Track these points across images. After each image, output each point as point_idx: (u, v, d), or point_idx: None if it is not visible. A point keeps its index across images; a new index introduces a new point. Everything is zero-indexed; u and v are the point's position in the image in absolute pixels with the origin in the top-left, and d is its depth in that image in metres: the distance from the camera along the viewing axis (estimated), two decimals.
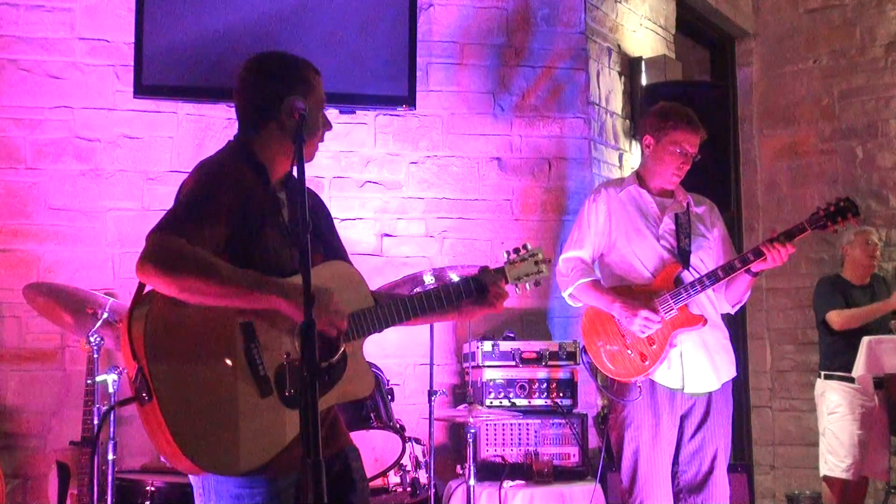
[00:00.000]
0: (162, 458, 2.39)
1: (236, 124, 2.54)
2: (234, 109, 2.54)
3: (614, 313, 3.68)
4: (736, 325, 7.11)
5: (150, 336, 2.17)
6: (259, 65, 2.52)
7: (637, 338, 3.65)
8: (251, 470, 2.23)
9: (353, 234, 4.95)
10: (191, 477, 2.38)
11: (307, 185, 2.27)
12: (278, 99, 2.42)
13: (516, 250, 2.73)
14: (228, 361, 2.24)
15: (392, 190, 5.06)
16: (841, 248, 5.80)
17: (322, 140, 2.56)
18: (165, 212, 2.33)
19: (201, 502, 2.35)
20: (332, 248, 2.59)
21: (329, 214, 2.70)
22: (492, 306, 2.64)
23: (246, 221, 2.33)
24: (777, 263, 3.58)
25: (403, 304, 2.53)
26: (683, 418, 3.72)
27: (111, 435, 3.70)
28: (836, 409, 5.51)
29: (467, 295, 2.61)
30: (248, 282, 2.23)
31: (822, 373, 5.64)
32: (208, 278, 2.19)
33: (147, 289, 2.27)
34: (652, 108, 3.94)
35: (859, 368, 5.26)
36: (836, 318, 5.51)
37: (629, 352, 3.67)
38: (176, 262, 2.18)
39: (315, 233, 2.47)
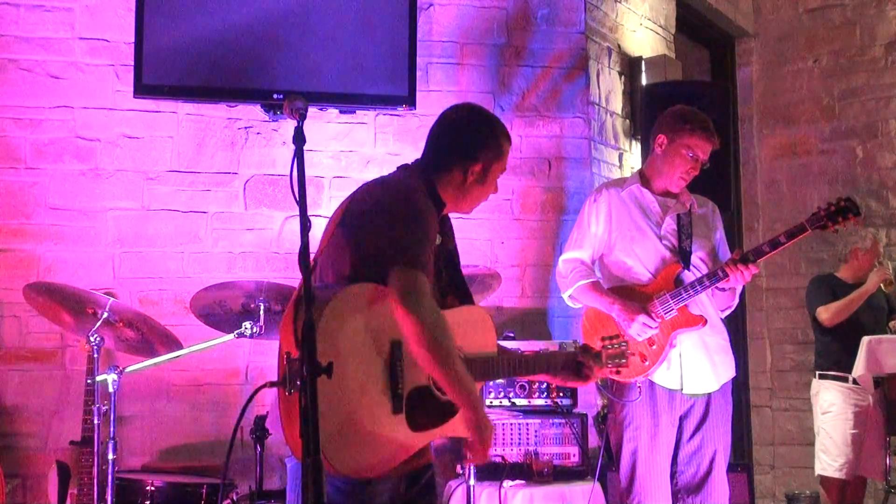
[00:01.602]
0: (269, 426, 2.51)
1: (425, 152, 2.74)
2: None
3: (613, 315, 3.68)
4: (736, 324, 7.11)
5: (323, 332, 2.24)
6: (474, 115, 2.77)
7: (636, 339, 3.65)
8: (364, 476, 2.38)
9: None
10: (291, 472, 2.58)
11: (449, 218, 2.69)
12: (473, 156, 2.65)
13: (611, 338, 3.09)
14: (375, 372, 2.36)
15: None
16: (851, 248, 5.77)
17: (486, 199, 2.78)
18: (391, 239, 2.44)
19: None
20: (462, 285, 2.78)
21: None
22: (584, 381, 2.97)
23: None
24: (740, 283, 3.62)
25: (519, 363, 2.82)
26: (682, 419, 3.72)
27: (111, 435, 3.70)
28: (830, 409, 5.52)
29: (569, 369, 2.92)
30: (465, 381, 2.44)
31: (818, 372, 5.65)
32: (442, 355, 2.36)
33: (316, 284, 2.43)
34: (669, 108, 3.91)
35: (859, 368, 5.27)
36: (824, 313, 5.53)
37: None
38: (434, 319, 2.35)
39: (454, 270, 2.74)
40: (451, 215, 2.83)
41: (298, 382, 2.18)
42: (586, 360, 2.92)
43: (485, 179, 2.68)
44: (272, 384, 2.34)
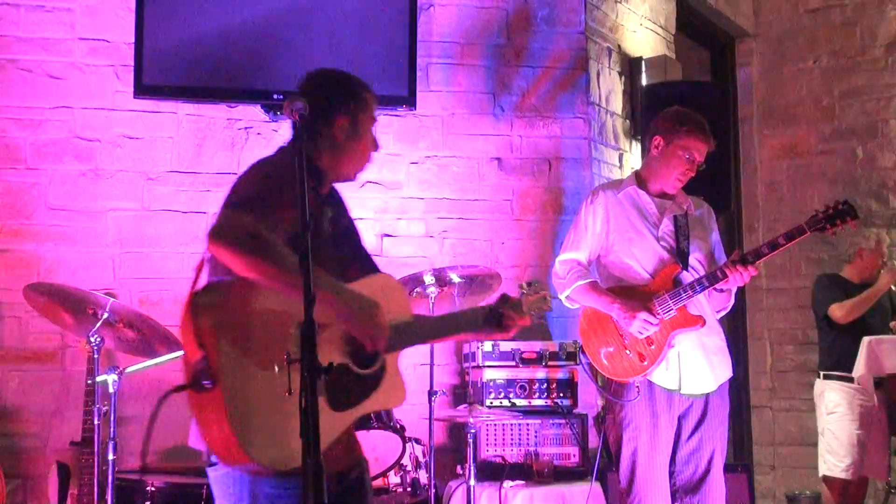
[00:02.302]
0: (194, 444, 2.42)
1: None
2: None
3: (613, 314, 3.68)
4: (736, 325, 7.11)
5: (220, 326, 2.20)
6: (320, 78, 2.66)
7: (635, 338, 3.65)
8: (293, 468, 2.23)
9: None
10: (218, 475, 2.39)
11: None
12: (329, 112, 2.55)
13: (530, 284, 2.96)
14: (285, 360, 2.27)
15: (392, 190, 5.06)
16: (856, 249, 5.76)
17: (370, 160, 2.68)
18: (230, 194, 2.37)
19: (229, 501, 2.37)
20: (366, 258, 2.69)
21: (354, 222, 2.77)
22: (506, 332, 2.85)
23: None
24: (739, 284, 3.62)
25: (437, 323, 2.75)
26: (681, 419, 3.72)
27: (111, 435, 3.70)
28: (835, 409, 5.51)
29: (491, 324, 2.81)
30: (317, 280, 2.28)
31: (822, 372, 5.64)
32: (276, 264, 2.22)
33: (204, 276, 2.34)
34: (666, 109, 3.91)
35: (859, 368, 5.26)
36: (838, 311, 5.50)
37: (627, 352, 3.67)
38: (248, 241, 2.23)
39: (352, 243, 2.64)
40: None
41: (205, 382, 2.16)
42: (506, 311, 2.81)
43: (357, 133, 2.60)
44: (180, 388, 2.25)
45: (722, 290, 3.71)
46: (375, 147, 2.68)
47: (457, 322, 2.79)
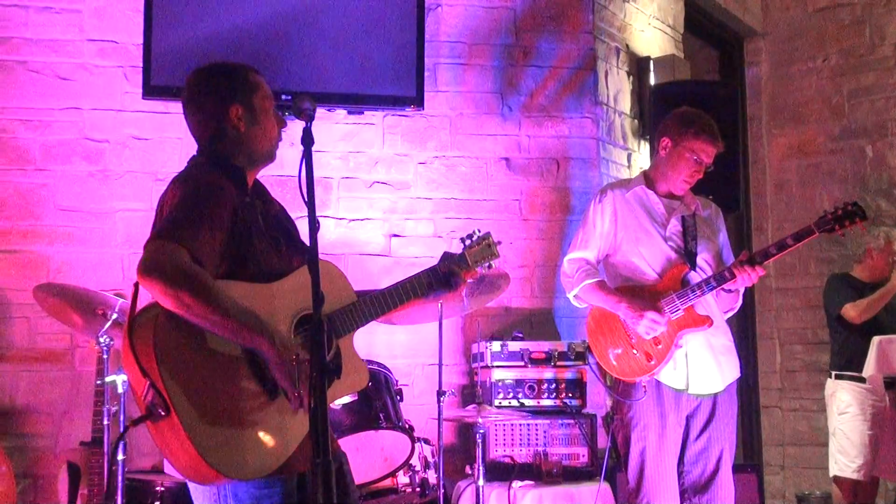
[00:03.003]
0: (169, 471, 2.37)
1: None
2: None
3: (620, 314, 3.68)
4: (745, 325, 7.10)
5: (159, 352, 2.18)
6: (199, 79, 2.60)
7: (643, 338, 3.64)
8: (271, 472, 2.25)
9: (362, 234, 4.95)
10: (199, 488, 2.36)
11: (266, 187, 2.43)
12: (225, 108, 2.51)
13: (469, 236, 2.92)
14: (236, 368, 2.26)
15: (400, 190, 5.07)
16: (865, 248, 5.74)
17: (280, 138, 2.62)
18: (157, 221, 2.34)
19: None
20: (302, 244, 2.63)
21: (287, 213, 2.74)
22: (456, 289, 2.80)
23: (235, 228, 2.38)
24: (747, 284, 3.61)
25: (383, 297, 2.64)
26: (689, 418, 3.71)
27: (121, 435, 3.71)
28: (846, 410, 5.49)
29: (438, 285, 2.76)
30: (242, 319, 2.25)
31: (833, 372, 5.62)
32: (208, 304, 2.19)
33: (140, 304, 2.28)
34: (674, 110, 3.90)
35: (870, 368, 5.24)
36: (852, 310, 5.48)
37: (635, 352, 3.66)
38: (179, 278, 2.19)
39: (286, 231, 2.59)
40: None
41: (160, 411, 2.13)
42: (451, 268, 2.78)
43: (256, 117, 2.54)
44: (137, 421, 2.23)
45: (730, 291, 3.70)
46: (282, 123, 2.61)
47: (404, 291, 2.69)
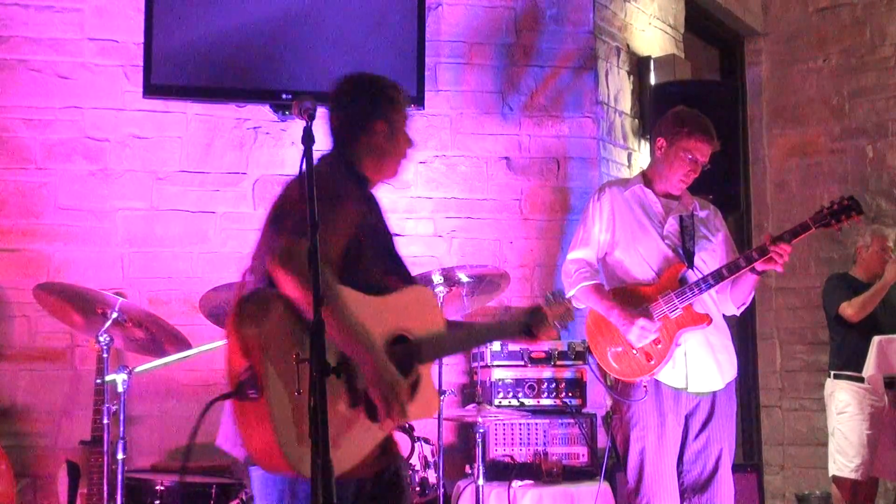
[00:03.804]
0: (221, 444, 2.42)
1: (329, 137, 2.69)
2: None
3: (612, 320, 3.68)
4: (745, 324, 7.09)
5: (266, 337, 2.22)
6: (353, 85, 2.70)
7: None
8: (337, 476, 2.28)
9: None
10: (259, 475, 2.42)
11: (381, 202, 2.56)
12: (372, 120, 2.62)
13: (554, 294, 3.05)
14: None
15: (400, 189, 5.06)
16: (855, 248, 5.77)
17: (405, 157, 2.73)
18: (280, 214, 2.41)
19: (269, 500, 2.41)
20: (401, 265, 2.73)
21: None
22: (535, 341, 3.00)
23: (354, 236, 2.46)
24: (780, 262, 3.58)
25: (470, 334, 2.85)
26: (688, 417, 3.72)
27: (121, 434, 3.71)
28: (845, 409, 5.49)
29: (524, 335, 2.93)
30: (354, 329, 2.34)
31: (832, 372, 5.62)
32: (330, 305, 2.24)
33: (249, 287, 2.37)
34: (669, 110, 3.90)
35: (870, 368, 5.24)
36: (849, 309, 5.48)
37: (634, 352, 3.67)
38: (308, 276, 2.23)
39: (390, 249, 2.69)
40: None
41: (251, 392, 2.19)
42: (534, 323, 2.91)
43: (394, 135, 2.67)
44: (225, 396, 2.28)
45: (736, 284, 3.69)
46: (411, 144, 2.73)
47: (489, 333, 2.94)
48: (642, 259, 3.75)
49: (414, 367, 2.53)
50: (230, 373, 2.28)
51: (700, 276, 3.68)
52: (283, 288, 2.27)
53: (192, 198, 4.76)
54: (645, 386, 3.66)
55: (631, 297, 3.70)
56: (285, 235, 2.32)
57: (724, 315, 3.85)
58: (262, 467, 2.33)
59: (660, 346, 3.64)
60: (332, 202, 2.39)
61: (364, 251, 2.49)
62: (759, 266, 3.60)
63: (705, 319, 3.66)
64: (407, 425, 4.03)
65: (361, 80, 2.72)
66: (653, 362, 3.64)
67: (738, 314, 3.91)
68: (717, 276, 3.63)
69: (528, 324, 2.90)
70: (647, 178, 3.89)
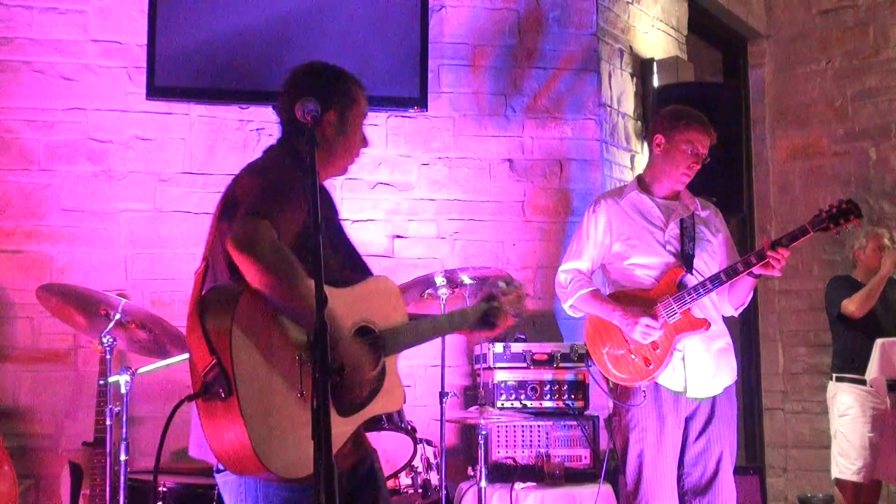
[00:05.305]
0: (194, 454, 2.38)
1: (278, 127, 2.62)
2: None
3: (615, 322, 3.68)
4: (748, 326, 7.09)
5: (235, 334, 2.16)
6: (305, 74, 2.63)
7: (641, 342, 3.65)
8: (308, 474, 2.21)
9: (365, 235, 4.95)
10: (228, 481, 2.37)
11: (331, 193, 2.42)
12: (323, 103, 2.45)
13: (507, 283, 3.02)
14: (298, 367, 2.26)
15: (403, 191, 5.07)
16: (853, 252, 5.78)
17: (358, 155, 2.65)
18: (233, 202, 2.33)
19: None
20: (358, 258, 2.67)
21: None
22: (494, 330, 2.96)
23: (305, 224, 2.35)
24: (777, 267, 3.58)
25: (432, 325, 2.78)
26: (688, 420, 3.71)
27: (123, 436, 3.71)
28: (847, 412, 5.49)
29: (483, 322, 2.90)
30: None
31: (834, 374, 5.62)
32: (295, 288, 2.20)
33: (207, 283, 2.31)
34: (662, 110, 3.93)
35: (872, 371, 5.24)
36: (850, 305, 5.48)
37: (633, 357, 3.67)
38: (273, 258, 2.19)
39: (345, 241, 2.62)
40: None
41: (219, 390, 2.12)
42: (492, 312, 2.91)
43: (345, 129, 2.56)
44: (192, 397, 2.20)
45: (733, 286, 3.70)
46: (365, 143, 2.64)
47: (451, 323, 2.84)
48: (642, 266, 3.75)
49: (380, 358, 2.50)
50: (193, 373, 2.21)
51: (700, 279, 3.68)
52: (246, 274, 2.20)
53: (196, 199, 4.76)
54: (644, 391, 3.67)
55: (630, 302, 3.70)
56: (242, 220, 2.23)
57: (724, 317, 3.85)
58: (230, 469, 2.25)
59: (658, 350, 3.64)
60: (281, 187, 2.33)
61: (327, 243, 2.41)
62: (756, 270, 3.61)
63: (703, 324, 3.66)
64: (409, 427, 4.02)
65: (317, 69, 2.64)
66: (651, 367, 3.64)
67: (736, 315, 3.91)
68: (716, 281, 3.63)
69: (486, 312, 2.89)
70: (643, 182, 3.89)
